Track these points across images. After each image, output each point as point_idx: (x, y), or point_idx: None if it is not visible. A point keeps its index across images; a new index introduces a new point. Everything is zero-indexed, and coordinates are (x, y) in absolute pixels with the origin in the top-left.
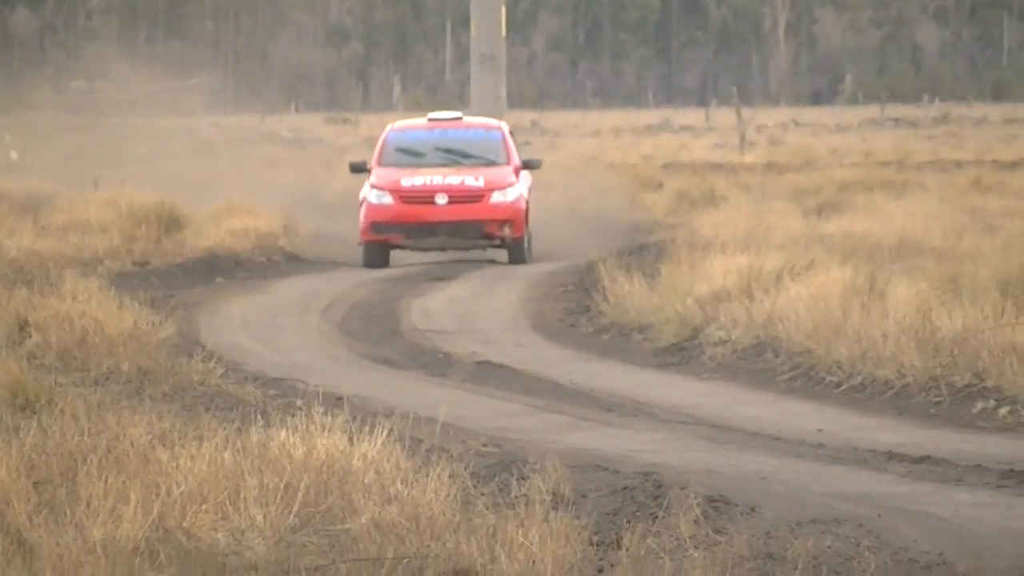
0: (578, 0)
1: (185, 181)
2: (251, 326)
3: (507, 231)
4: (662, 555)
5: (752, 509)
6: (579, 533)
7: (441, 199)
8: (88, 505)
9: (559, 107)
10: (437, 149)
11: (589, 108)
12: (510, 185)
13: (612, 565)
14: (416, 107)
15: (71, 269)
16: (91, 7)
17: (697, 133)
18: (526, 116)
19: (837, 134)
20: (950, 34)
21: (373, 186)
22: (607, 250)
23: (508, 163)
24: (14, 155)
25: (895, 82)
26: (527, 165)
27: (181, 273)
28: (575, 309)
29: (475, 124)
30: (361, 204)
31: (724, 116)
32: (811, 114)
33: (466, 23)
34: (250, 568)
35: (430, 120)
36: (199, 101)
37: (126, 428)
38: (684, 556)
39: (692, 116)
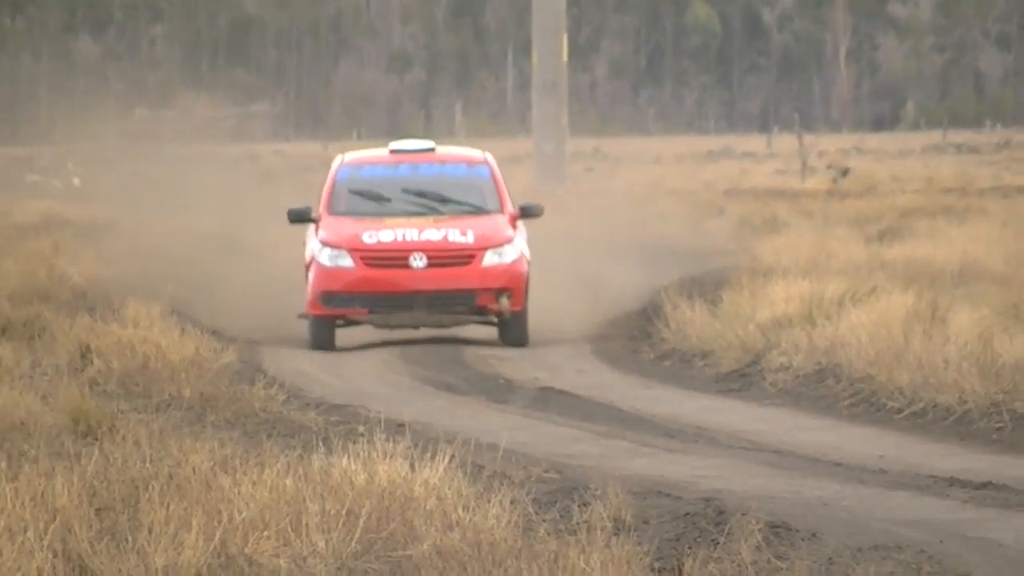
0: (640, 26)
1: (247, 209)
2: (313, 353)
3: (504, 303)
4: None
5: (813, 535)
6: (640, 559)
7: (418, 261)
8: (150, 532)
9: (621, 133)
10: (406, 191)
11: (651, 134)
12: (507, 241)
13: None
14: (478, 133)
15: (133, 296)
16: (154, 35)
17: (759, 159)
18: (588, 143)
19: (899, 160)
20: (1012, 60)
21: (325, 243)
22: (668, 279)
23: (502, 210)
24: (77, 182)
25: (957, 108)
26: (525, 212)
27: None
28: (636, 335)
29: (453, 157)
30: (308, 266)
31: (786, 142)
32: (873, 140)
33: (528, 49)
34: None
35: (393, 152)
36: (261, 128)
37: (188, 455)
38: None
39: (754, 142)
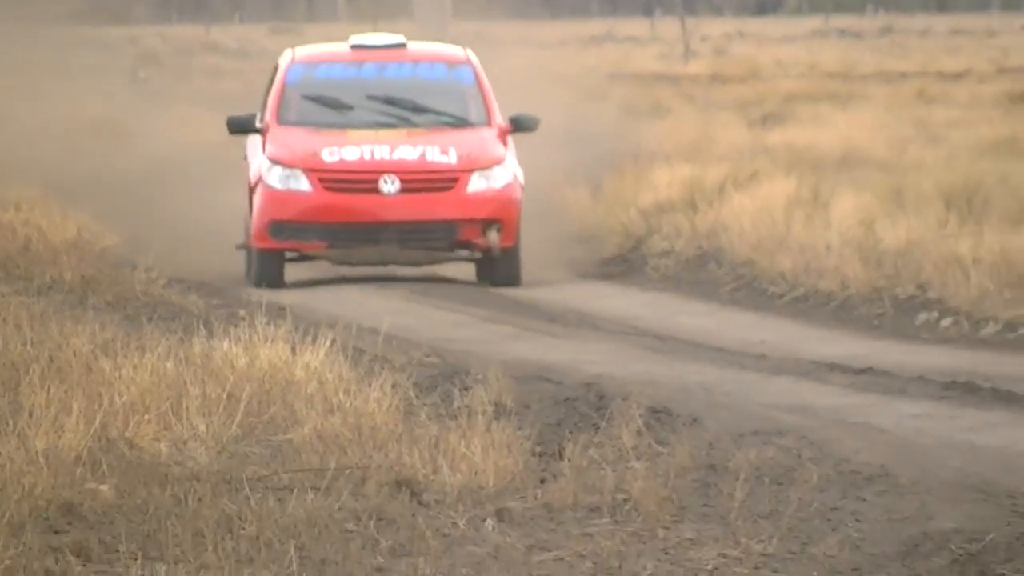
0: None
1: (130, 92)
2: (198, 234)
3: (493, 237)
4: (604, 466)
5: (694, 420)
6: (521, 444)
7: (389, 185)
8: (30, 415)
9: (504, 17)
10: (372, 98)
11: (534, 19)
12: (497, 162)
13: (554, 476)
14: (360, 16)
15: (14, 180)
16: None
17: (642, 43)
18: (471, 26)
19: (782, 45)
20: None
21: (275, 160)
22: (550, 162)
23: (489, 123)
24: None
25: None
26: (518, 125)
27: (128, 183)
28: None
29: (429, 55)
30: (252, 188)
31: (669, 26)
32: (756, 25)
33: None
34: (192, 478)
35: (355, 48)
36: (143, 11)
37: (69, 338)
38: (626, 467)
39: (637, 27)
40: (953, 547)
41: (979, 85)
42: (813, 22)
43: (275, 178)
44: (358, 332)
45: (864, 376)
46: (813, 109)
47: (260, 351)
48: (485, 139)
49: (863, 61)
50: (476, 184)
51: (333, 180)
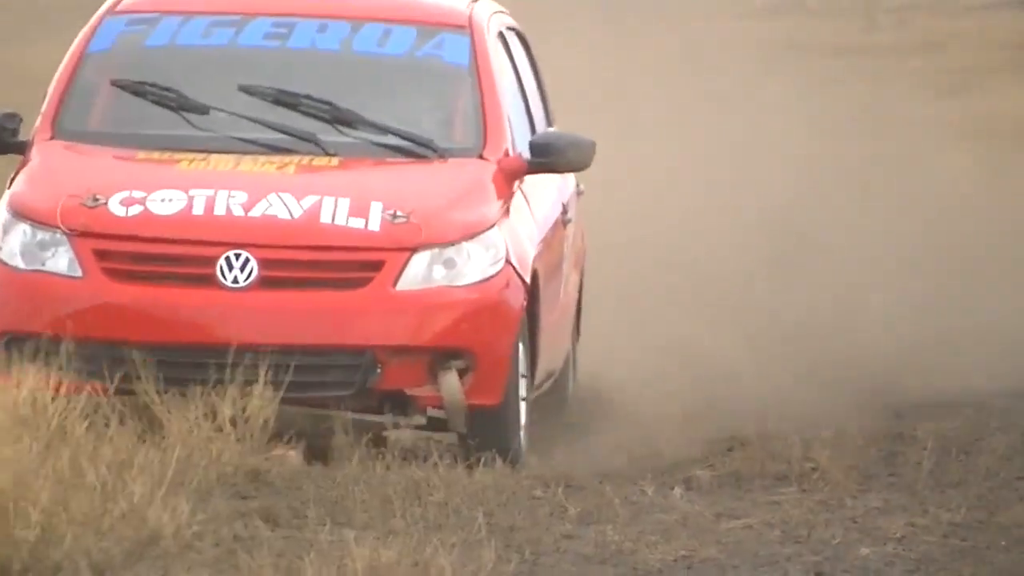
0: None
1: None
2: None
3: (450, 386)
4: (791, 435)
5: None
6: None
7: (236, 270)
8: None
9: None
10: (248, 92)
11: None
12: (472, 232)
13: (742, 445)
14: None
15: None
16: None
17: None
18: None
19: None
20: None
21: (19, 211)
22: None
23: (483, 149)
24: None
25: None
26: (541, 157)
27: None
28: None
29: (388, 7)
30: None
31: None
32: None
33: None
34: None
35: None
36: None
37: None
38: (813, 436)
39: None
40: None
41: None
42: None
43: (15, 248)
44: None
45: None
46: None
47: None
48: (462, 183)
49: None
50: (420, 275)
51: (125, 256)
